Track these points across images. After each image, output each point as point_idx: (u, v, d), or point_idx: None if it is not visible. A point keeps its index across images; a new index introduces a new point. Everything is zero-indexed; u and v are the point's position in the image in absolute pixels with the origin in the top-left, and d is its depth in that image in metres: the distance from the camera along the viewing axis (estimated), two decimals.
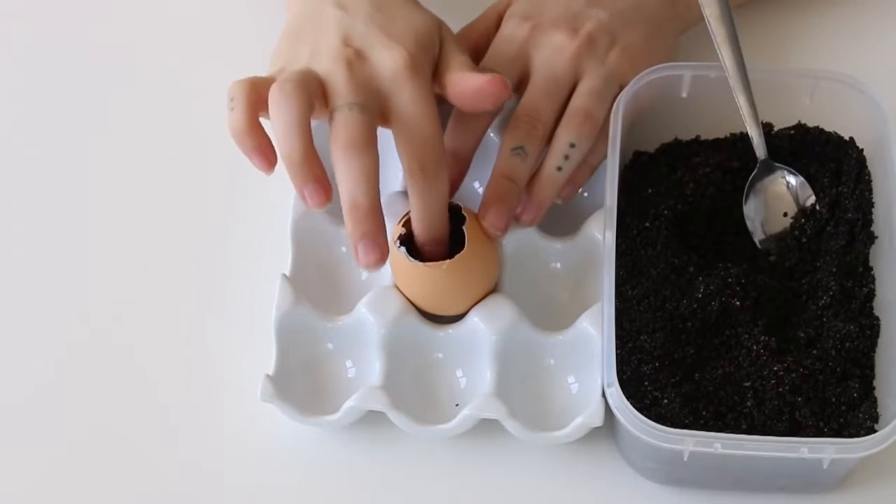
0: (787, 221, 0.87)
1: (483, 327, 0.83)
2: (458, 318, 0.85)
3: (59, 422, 0.85)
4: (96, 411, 0.85)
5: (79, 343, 0.88)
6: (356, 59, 0.80)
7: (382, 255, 0.77)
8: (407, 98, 0.80)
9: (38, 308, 0.89)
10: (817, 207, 0.87)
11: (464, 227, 0.82)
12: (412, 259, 0.81)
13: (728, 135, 0.90)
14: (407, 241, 0.82)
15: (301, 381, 0.84)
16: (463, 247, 0.82)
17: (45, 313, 0.89)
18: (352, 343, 0.84)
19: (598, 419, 0.79)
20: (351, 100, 0.79)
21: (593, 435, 0.80)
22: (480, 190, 0.90)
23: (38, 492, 0.84)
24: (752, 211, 0.87)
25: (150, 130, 0.95)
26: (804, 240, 0.86)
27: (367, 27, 0.82)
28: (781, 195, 0.88)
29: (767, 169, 0.88)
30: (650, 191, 0.87)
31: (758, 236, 0.87)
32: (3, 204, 0.93)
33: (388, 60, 0.80)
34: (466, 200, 0.89)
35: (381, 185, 0.89)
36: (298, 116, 0.76)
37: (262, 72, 0.83)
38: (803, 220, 0.86)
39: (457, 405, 0.83)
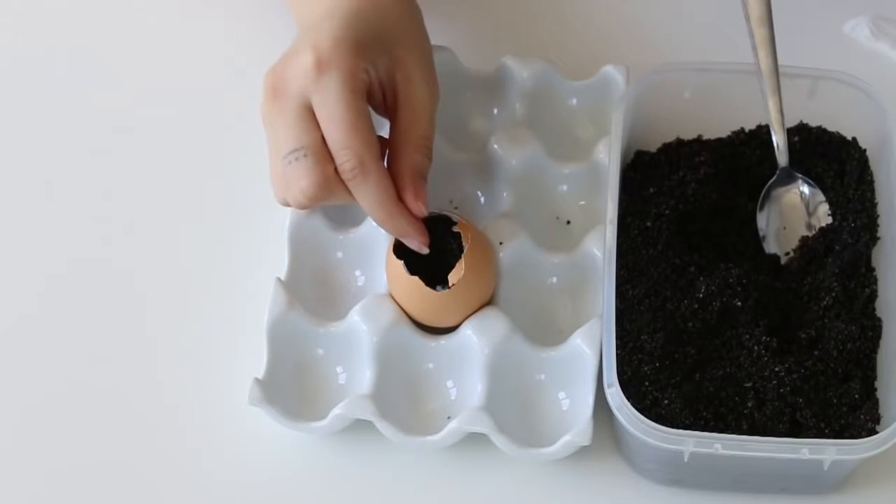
0: (801, 233, 0.87)
1: (476, 340, 0.83)
2: (451, 329, 0.84)
3: (50, 415, 0.85)
4: (85, 409, 0.85)
5: (71, 342, 0.88)
6: (273, 96, 0.80)
7: (424, 241, 0.82)
8: (318, 104, 0.79)
9: (31, 307, 0.89)
10: (832, 221, 0.86)
11: (463, 242, 0.82)
12: (409, 273, 0.82)
13: (730, 134, 0.90)
14: (406, 250, 0.82)
15: (291, 386, 0.84)
16: (456, 253, 0.82)
17: (39, 312, 0.89)
18: (343, 350, 0.84)
19: (586, 437, 0.79)
20: (285, 150, 0.80)
21: (593, 435, 0.80)
22: (483, 199, 0.90)
23: (22, 489, 0.83)
24: (765, 218, 0.87)
25: (147, 132, 0.95)
26: (814, 256, 0.86)
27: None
28: (796, 205, 0.87)
29: (787, 177, 0.87)
30: (652, 190, 0.87)
31: (768, 243, 0.87)
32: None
33: (296, 70, 0.80)
34: (467, 209, 0.89)
35: None
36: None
37: (261, 72, 0.82)
38: (819, 237, 0.86)
39: (448, 418, 0.83)
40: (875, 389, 0.81)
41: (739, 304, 0.82)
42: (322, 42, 0.80)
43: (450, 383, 0.84)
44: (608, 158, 0.86)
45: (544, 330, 0.86)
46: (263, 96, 0.81)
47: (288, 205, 0.82)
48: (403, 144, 0.82)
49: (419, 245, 0.82)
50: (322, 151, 0.79)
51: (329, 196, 0.80)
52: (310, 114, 0.80)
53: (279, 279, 0.85)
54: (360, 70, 0.80)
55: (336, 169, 0.79)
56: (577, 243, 0.87)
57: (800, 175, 0.88)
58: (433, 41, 0.90)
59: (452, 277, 0.82)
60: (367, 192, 0.80)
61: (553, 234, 0.89)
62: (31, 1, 1.01)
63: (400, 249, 0.83)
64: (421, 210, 0.82)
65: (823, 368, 0.81)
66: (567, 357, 0.83)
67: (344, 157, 0.79)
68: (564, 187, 0.90)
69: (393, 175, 0.82)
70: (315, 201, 0.81)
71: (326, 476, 0.83)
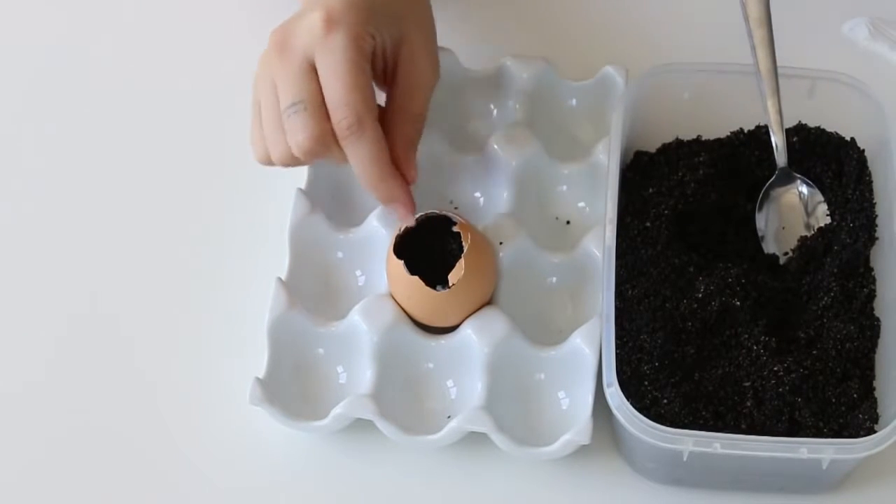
0: (800, 233, 0.87)
1: (475, 339, 0.83)
2: (451, 328, 0.85)
3: (52, 417, 0.85)
4: (87, 409, 0.86)
5: (73, 341, 0.88)
6: (279, 50, 0.81)
7: (411, 209, 0.83)
8: (322, 60, 0.80)
9: (32, 307, 0.89)
10: (830, 221, 0.86)
11: (463, 242, 0.82)
12: (409, 273, 0.82)
13: (729, 134, 0.90)
14: (406, 250, 0.82)
15: (291, 386, 0.84)
16: (456, 253, 0.82)
17: (40, 312, 0.89)
18: (343, 349, 0.85)
19: (586, 436, 0.79)
20: (285, 103, 0.80)
21: (592, 434, 0.80)
22: (482, 200, 0.90)
23: (28, 490, 0.84)
24: (764, 218, 0.87)
25: (149, 132, 0.95)
26: (813, 256, 0.86)
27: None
28: (794, 205, 0.88)
29: (786, 177, 0.87)
30: (651, 190, 0.87)
31: (767, 243, 0.87)
32: (1, 203, 0.93)
33: (304, 27, 0.81)
34: (467, 209, 0.89)
35: None
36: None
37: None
38: (818, 237, 0.86)
39: (448, 417, 0.83)
40: (873, 389, 0.81)
41: (738, 303, 0.82)
42: (333, 2, 0.80)
43: (450, 383, 0.85)
44: (607, 159, 0.86)
45: (544, 330, 0.86)
46: (267, 50, 0.82)
47: (271, 163, 0.83)
48: (398, 116, 0.84)
49: (405, 213, 0.83)
50: (322, 106, 0.80)
51: (323, 152, 0.81)
52: (312, 70, 0.80)
53: (280, 279, 0.85)
54: (367, 34, 0.81)
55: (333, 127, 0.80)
56: (577, 243, 0.87)
57: (798, 175, 0.88)
58: None
59: (452, 277, 0.82)
60: (362, 151, 0.80)
61: (553, 234, 0.89)
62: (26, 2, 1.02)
63: (400, 249, 0.83)
64: (413, 176, 0.83)
65: (822, 368, 0.81)
66: (567, 356, 0.83)
67: (342, 115, 0.80)
68: (564, 187, 0.91)
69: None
70: (308, 156, 0.81)
71: (326, 476, 0.83)
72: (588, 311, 0.86)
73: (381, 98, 0.85)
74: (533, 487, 0.83)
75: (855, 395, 0.80)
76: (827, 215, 0.87)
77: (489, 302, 0.85)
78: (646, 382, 0.81)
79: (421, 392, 0.84)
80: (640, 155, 0.90)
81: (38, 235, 0.92)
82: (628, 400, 0.77)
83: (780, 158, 0.87)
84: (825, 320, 0.83)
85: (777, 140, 0.87)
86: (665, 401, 0.80)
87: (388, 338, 0.83)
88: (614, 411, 0.78)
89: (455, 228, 0.83)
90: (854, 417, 0.80)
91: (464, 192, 0.91)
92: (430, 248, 0.83)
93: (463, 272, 0.82)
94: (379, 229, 0.86)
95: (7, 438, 0.85)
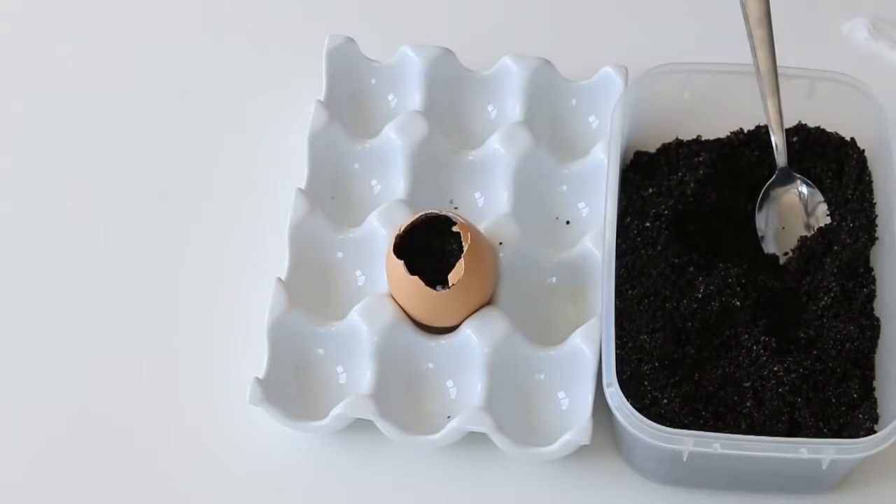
0: (800, 233, 0.87)
1: (475, 340, 0.83)
2: (451, 329, 0.85)
3: (51, 416, 0.85)
4: (86, 408, 0.85)
5: (73, 340, 0.88)
6: None
7: None
8: None
9: (31, 306, 0.89)
10: (830, 221, 0.86)
11: (463, 243, 0.82)
12: (409, 273, 0.82)
13: (729, 134, 0.90)
14: (406, 250, 0.82)
15: (291, 386, 0.84)
16: (456, 253, 0.82)
17: (39, 311, 0.89)
18: (343, 349, 0.84)
19: (586, 436, 0.79)
20: None
21: (592, 434, 0.80)
22: (482, 200, 0.90)
23: (28, 490, 0.84)
24: (764, 218, 0.87)
25: (149, 131, 0.95)
26: (812, 256, 0.86)
27: None
28: (794, 205, 0.88)
29: (786, 177, 0.87)
30: (651, 190, 0.87)
31: (767, 244, 0.87)
32: (2, 203, 0.94)
33: None
34: (466, 210, 0.89)
35: (380, 189, 0.91)
36: None
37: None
38: (818, 237, 0.86)
39: (448, 417, 0.83)
40: (873, 389, 0.82)
41: (738, 303, 0.82)
42: None
43: (450, 383, 0.85)
44: (607, 159, 0.86)
45: (544, 330, 0.86)
46: None
47: None
48: None
49: None
50: None
51: None
52: None
53: (279, 279, 0.85)
54: None
55: None
56: (577, 243, 0.87)
57: (798, 175, 0.88)
58: (433, 41, 0.90)
59: (452, 277, 0.82)
60: None
61: (553, 234, 0.89)
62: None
63: (400, 249, 0.83)
64: None
65: (822, 368, 0.81)
66: (566, 357, 0.83)
67: None
68: (564, 187, 0.91)
69: None
70: None
71: (326, 476, 0.83)
72: (588, 311, 0.86)
73: None
74: (533, 487, 0.83)
75: (855, 395, 0.80)
76: (827, 215, 0.87)
77: (489, 302, 0.85)
78: (646, 382, 0.81)
79: (421, 392, 0.84)
80: (640, 155, 0.90)
81: (38, 234, 0.92)
82: (628, 400, 0.77)
83: (780, 158, 0.87)
84: (825, 320, 0.83)
85: (777, 140, 0.87)
86: (665, 401, 0.80)
87: (388, 338, 0.83)
88: (614, 411, 0.78)
89: (455, 228, 0.83)
90: (854, 417, 0.80)
91: (464, 192, 0.91)
92: (430, 248, 0.83)
93: (463, 272, 0.82)
94: (379, 229, 0.86)
95: (7, 438, 0.85)
